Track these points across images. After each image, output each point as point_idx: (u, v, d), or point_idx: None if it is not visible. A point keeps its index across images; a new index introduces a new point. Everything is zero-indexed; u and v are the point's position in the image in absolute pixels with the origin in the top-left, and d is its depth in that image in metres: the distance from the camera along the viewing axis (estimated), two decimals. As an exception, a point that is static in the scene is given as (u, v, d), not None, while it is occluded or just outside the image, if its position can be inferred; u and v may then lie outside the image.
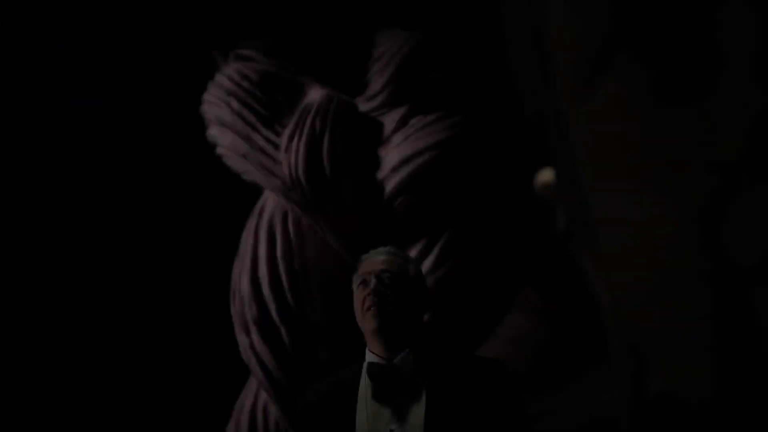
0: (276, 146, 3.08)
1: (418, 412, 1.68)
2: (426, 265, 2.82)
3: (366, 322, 1.76)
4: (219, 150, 3.24)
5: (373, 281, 1.77)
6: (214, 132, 3.25)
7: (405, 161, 2.95)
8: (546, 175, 0.33)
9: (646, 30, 0.24)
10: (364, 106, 3.15)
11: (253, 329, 2.96)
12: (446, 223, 2.93)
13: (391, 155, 3.00)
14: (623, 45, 0.24)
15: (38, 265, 3.44)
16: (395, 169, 2.96)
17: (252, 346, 2.96)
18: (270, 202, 3.18)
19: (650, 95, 0.24)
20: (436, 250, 2.89)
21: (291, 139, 3.04)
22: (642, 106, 0.24)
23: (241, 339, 2.98)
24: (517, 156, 2.90)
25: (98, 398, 3.23)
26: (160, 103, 3.43)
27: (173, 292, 3.18)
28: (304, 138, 3.01)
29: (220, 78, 3.35)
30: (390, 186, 2.97)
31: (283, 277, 2.97)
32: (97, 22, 3.44)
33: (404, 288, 1.78)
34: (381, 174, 3.00)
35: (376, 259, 1.82)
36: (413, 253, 2.84)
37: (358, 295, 1.79)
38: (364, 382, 1.74)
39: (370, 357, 1.76)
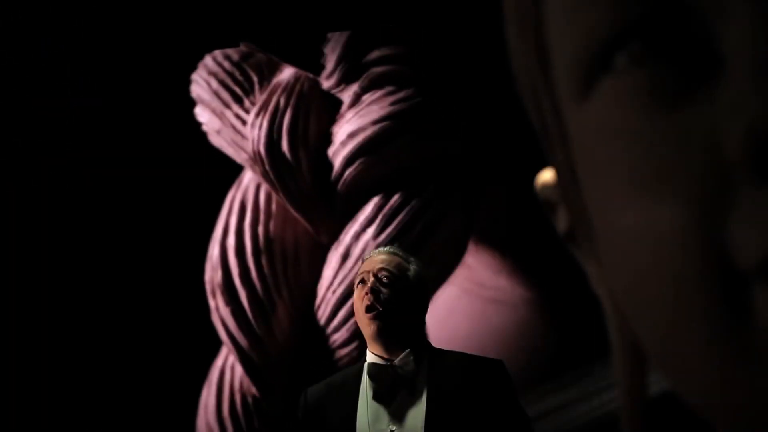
0: (244, 122, 3.34)
1: (418, 413, 1.68)
2: (369, 232, 3.11)
3: (364, 326, 1.75)
4: (203, 128, 3.49)
5: (371, 280, 1.76)
6: (197, 110, 3.51)
7: (351, 135, 3.21)
8: (547, 176, 0.33)
9: (647, 32, 0.24)
10: (326, 84, 3.40)
11: (218, 293, 3.22)
12: (393, 189, 3.18)
13: (341, 130, 3.26)
14: (623, 46, 0.24)
15: (38, 264, 3.44)
16: (343, 143, 3.22)
17: (217, 309, 3.21)
18: (247, 175, 3.43)
19: (650, 97, 0.24)
20: (380, 217, 3.14)
21: (257, 115, 3.30)
22: (642, 108, 0.24)
23: (211, 303, 3.25)
24: (461, 122, 3.22)
25: (99, 388, 3.28)
26: (160, 104, 3.46)
27: (170, 289, 3.26)
28: (268, 114, 3.27)
29: (207, 58, 3.59)
30: (339, 159, 3.22)
31: (247, 244, 3.22)
32: (97, 22, 3.45)
33: (403, 287, 1.77)
34: (332, 148, 3.26)
35: (375, 259, 1.81)
36: (361, 219, 3.13)
37: (357, 294, 1.78)
38: (365, 382, 1.74)
39: (370, 357, 1.76)
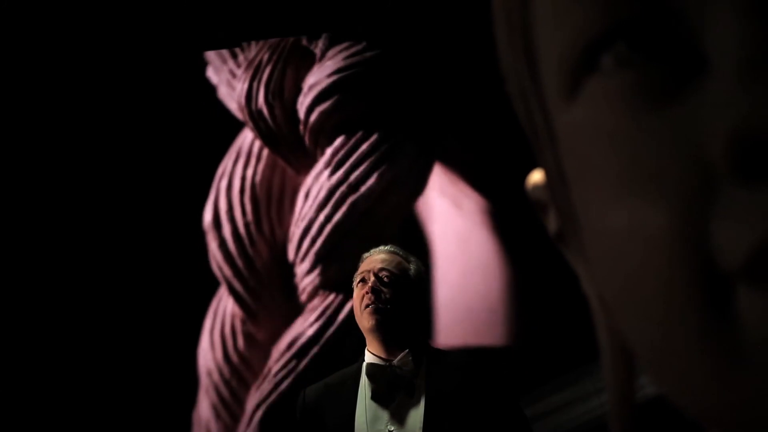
0: (235, 76, 3.75)
1: (417, 414, 1.68)
2: (325, 173, 3.51)
3: (363, 321, 1.75)
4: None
5: (371, 279, 1.75)
6: (208, 69, 3.89)
7: (311, 87, 3.62)
8: (537, 176, 0.33)
9: (634, 32, 0.24)
10: (304, 40, 3.79)
11: (211, 230, 3.64)
12: (352, 133, 3.56)
13: (306, 83, 3.67)
14: (610, 47, 0.24)
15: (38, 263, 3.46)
16: (305, 95, 3.64)
17: (209, 246, 3.63)
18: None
19: (637, 97, 0.24)
20: (335, 159, 3.53)
21: (245, 70, 3.72)
22: (629, 109, 0.24)
23: (207, 239, 3.66)
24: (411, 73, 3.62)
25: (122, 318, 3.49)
26: (160, 103, 3.55)
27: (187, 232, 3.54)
28: (251, 70, 3.70)
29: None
30: (302, 109, 3.64)
31: (235, 184, 3.64)
32: (97, 21, 3.48)
33: (403, 287, 1.77)
34: (299, 99, 3.67)
35: (375, 258, 1.81)
36: (321, 162, 3.55)
37: (357, 293, 1.78)
38: (363, 382, 1.74)
39: (369, 357, 1.76)
